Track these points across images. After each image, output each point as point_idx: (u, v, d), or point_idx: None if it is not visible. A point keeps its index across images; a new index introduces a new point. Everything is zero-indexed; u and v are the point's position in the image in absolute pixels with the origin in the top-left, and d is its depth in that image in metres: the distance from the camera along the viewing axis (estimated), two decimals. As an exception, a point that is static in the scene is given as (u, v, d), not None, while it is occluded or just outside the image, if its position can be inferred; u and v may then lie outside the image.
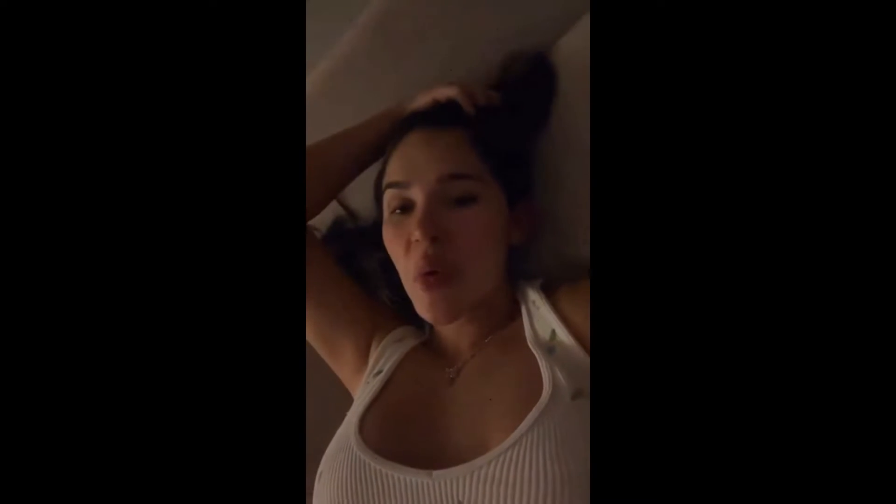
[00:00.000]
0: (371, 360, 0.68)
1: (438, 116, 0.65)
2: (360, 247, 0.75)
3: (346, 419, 0.62)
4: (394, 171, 0.63)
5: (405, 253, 0.60)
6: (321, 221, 0.79)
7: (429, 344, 0.70)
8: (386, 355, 0.67)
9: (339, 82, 0.81)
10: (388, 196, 0.63)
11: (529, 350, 0.58)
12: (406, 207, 0.62)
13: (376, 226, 0.67)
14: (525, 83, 0.69)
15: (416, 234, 0.58)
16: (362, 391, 0.65)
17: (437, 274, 0.58)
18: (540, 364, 0.55)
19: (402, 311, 0.70)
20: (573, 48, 0.69)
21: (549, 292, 0.64)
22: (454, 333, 0.66)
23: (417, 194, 0.60)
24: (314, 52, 0.66)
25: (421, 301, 0.60)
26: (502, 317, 0.65)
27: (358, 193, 0.77)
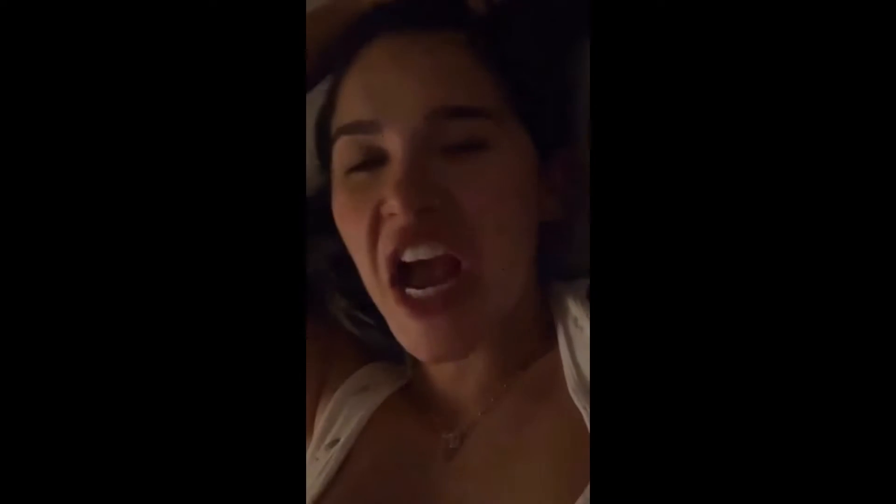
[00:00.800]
0: (318, 426, 0.48)
1: (422, 13, 0.44)
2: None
3: None
4: (350, 105, 0.43)
5: (370, 236, 0.41)
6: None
7: (412, 389, 0.51)
8: (343, 415, 0.48)
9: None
10: (342, 146, 0.43)
11: (573, 399, 0.40)
12: (373, 162, 0.42)
13: (321, 198, 0.47)
14: None
15: (392, 204, 0.39)
16: (311, 472, 0.46)
17: (431, 276, 0.40)
18: (587, 424, 0.38)
19: (368, 335, 0.50)
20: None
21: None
22: (454, 375, 0.47)
23: (392, 140, 0.41)
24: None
25: (403, 327, 0.42)
26: (530, 345, 0.46)
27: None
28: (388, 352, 0.50)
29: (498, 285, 0.42)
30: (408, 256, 0.40)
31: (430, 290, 0.40)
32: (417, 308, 0.40)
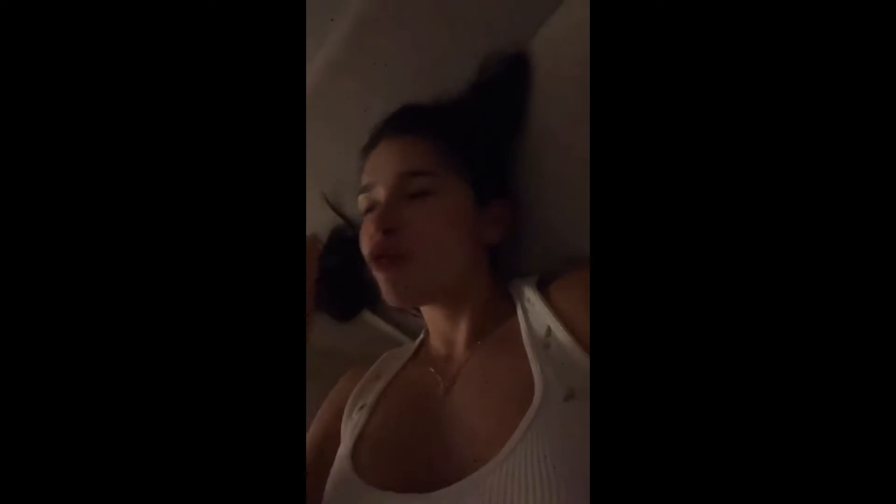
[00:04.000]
0: (349, 402, 0.70)
1: (401, 124, 0.68)
2: (358, 256, 0.76)
3: (338, 455, 0.63)
4: (364, 176, 0.68)
5: (367, 247, 0.64)
6: (322, 232, 0.82)
7: (421, 354, 0.72)
8: (366, 392, 0.69)
9: (320, 94, 0.82)
10: (360, 200, 0.67)
11: (524, 350, 0.57)
12: (373, 208, 0.65)
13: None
14: (500, 83, 0.69)
15: (371, 228, 0.62)
16: (346, 427, 0.67)
17: (388, 257, 0.61)
18: (532, 366, 0.55)
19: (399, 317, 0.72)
20: (550, 44, 0.69)
21: (544, 288, 0.64)
22: (445, 336, 0.67)
23: (380, 193, 0.64)
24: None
25: (381, 284, 0.63)
26: (496, 316, 0.65)
27: (353, 202, 0.77)
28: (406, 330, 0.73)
29: (429, 264, 0.61)
30: (376, 252, 0.61)
31: (383, 262, 0.61)
32: (377, 267, 0.61)
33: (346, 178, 0.74)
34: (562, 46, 0.66)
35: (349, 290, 0.78)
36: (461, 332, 0.66)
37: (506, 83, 0.69)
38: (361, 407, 0.67)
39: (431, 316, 0.69)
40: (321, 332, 0.69)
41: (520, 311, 0.63)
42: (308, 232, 0.75)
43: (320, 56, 0.80)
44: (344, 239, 0.80)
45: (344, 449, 0.62)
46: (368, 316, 0.85)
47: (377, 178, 0.65)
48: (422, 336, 0.76)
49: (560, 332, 0.56)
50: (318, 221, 0.81)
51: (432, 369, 0.66)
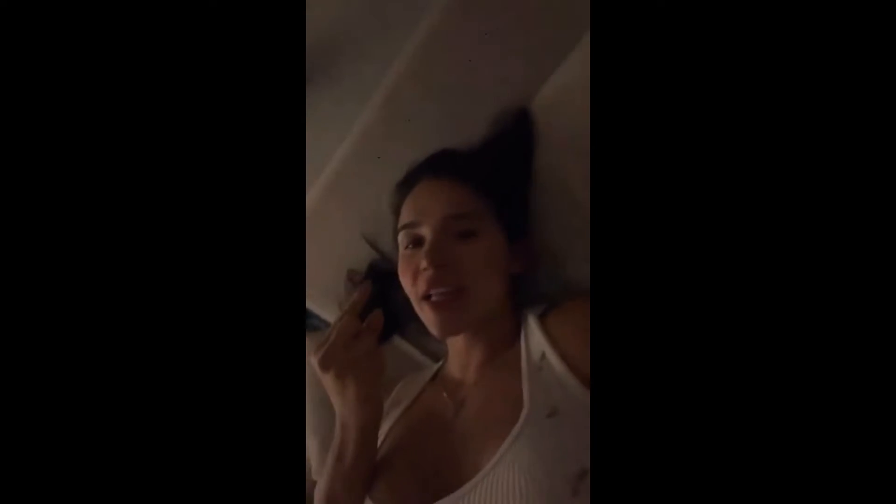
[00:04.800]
0: None
1: (440, 167, 0.74)
2: (391, 285, 0.83)
3: None
4: (406, 215, 0.72)
5: (413, 281, 0.68)
6: (359, 266, 0.92)
7: (438, 378, 0.77)
8: (386, 419, 0.74)
9: (365, 144, 0.92)
10: (402, 236, 0.72)
11: (521, 373, 0.62)
12: (417, 243, 0.70)
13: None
14: (510, 137, 0.76)
15: (424, 263, 0.66)
16: None
17: (444, 293, 0.65)
18: (523, 387, 0.59)
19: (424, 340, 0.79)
20: (551, 101, 0.78)
21: (544, 317, 0.68)
22: (463, 356, 0.73)
23: (426, 231, 0.69)
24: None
25: (428, 318, 0.68)
26: (506, 340, 0.70)
27: (388, 237, 0.86)
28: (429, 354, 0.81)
29: (477, 298, 0.66)
30: (433, 294, 0.65)
31: (439, 301, 0.65)
32: (433, 307, 0.65)
33: (380, 216, 0.83)
34: (560, 103, 0.74)
35: (385, 318, 0.87)
36: (476, 357, 0.71)
37: (515, 135, 0.77)
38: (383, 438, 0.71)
39: (454, 341, 0.74)
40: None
41: (522, 338, 0.68)
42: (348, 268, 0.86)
43: (361, 118, 0.90)
44: (379, 272, 0.89)
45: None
46: (397, 340, 0.93)
47: (422, 217, 0.69)
48: (441, 362, 0.81)
49: (553, 357, 0.61)
50: (357, 263, 0.90)
51: (445, 394, 0.72)
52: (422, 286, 0.66)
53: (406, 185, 0.76)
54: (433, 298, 0.65)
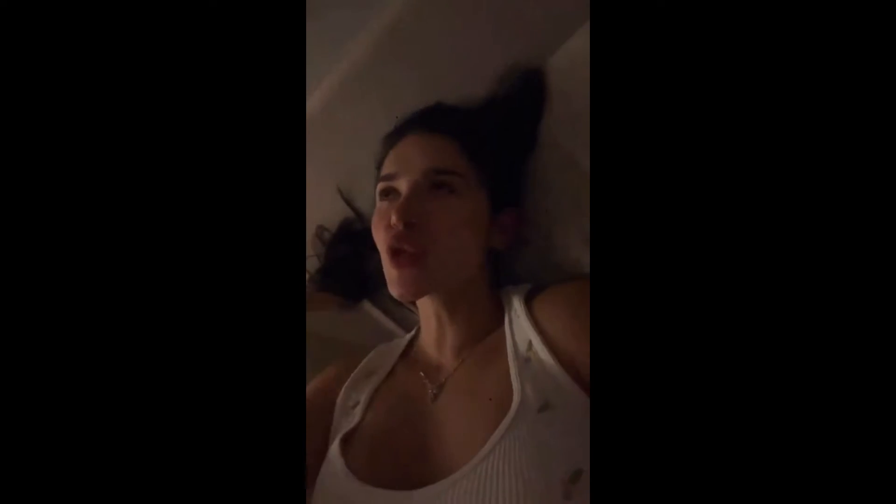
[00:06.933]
0: (340, 397, 0.71)
1: (432, 122, 0.69)
2: (365, 247, 0.77)
3: (331, 450, 0.64)
4: (387, 166, 0.68)
5: (384, 236, 0.64)
6: (330, 222, 0.85)
7: (411, 355, 0.74)
8: (359, 388, 0.71)
9: (348, 88, 0.83)
10: (379, 187, 0.68)
11: (508, 363, 0.59)
12: (390, 195, 0.66)
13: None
14: (517, 99, 0.71)
15: (394, 218, 0.61)
16: (339, 422, 0.69)
17: (405, 252, 0.61)
18: (512, 377, 0.57)
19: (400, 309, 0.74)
20: (567, 64, 0.71)
21: (530, 301, 0.65)
22: (436, 339, 0.69)
23: (402, 185, 0.65)
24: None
25: (390, 277, 0.64)
26: (487, 324, 0.67)
27: (364, 195, 0.80)
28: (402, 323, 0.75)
29: (441, 262, 0.62)
30: (394, 244, 0.61)
31: (402, 258, 0.61)
32: (396, 263, 0.61)
33: (359, 170, 0.76)
34: (576, 67, 0.67)
35: (353, 280, 0.80)
36: (452, 338, 0.68)
37: (523, 98, 0.71)
38: (355, 405, 0.69)
39: (426, 314, 0.70)
40: (317, 320, 0.72)
41: (507, 322, 0.65)
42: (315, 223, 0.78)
43: (345, 54, 0.82)
44: (352, 231, 0.83)
45: (335, 444, 0.64)
46: (367, 306, 0.86)
47: (402, 170, 0.65)
48: (413, 333, 0.77)
49: (539, 347, 0.58)
50: (328, 219, 0.84)
51: (422, 374, 0.68)
52: (388, 241, 0.62)
53: (393, 138, 0.71)
54: (398, 257, 0.62)
